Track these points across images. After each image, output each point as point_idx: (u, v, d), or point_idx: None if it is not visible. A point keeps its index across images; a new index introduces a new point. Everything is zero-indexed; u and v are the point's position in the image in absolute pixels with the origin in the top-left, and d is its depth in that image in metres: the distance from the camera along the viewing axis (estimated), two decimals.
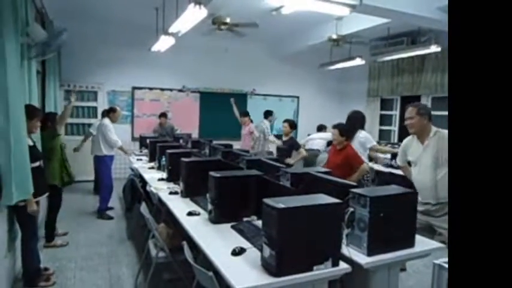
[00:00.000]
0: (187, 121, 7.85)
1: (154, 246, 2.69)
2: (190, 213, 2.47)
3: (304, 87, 9.02)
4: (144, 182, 3.98)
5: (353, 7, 3.26)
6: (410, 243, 1.92)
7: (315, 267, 1.61)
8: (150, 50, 6.30)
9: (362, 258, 1.77)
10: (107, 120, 4.99)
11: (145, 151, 5.64)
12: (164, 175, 3.74)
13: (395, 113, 8.10)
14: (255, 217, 2.28)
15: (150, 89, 7.68)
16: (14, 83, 2.45)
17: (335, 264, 1.66)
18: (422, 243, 1.99)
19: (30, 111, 2.84)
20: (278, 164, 2.88)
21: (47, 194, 3.21)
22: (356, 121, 4.19)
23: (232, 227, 2.19)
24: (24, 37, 3.00)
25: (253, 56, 8.27)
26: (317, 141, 6.43)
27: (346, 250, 1.80)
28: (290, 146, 5.18)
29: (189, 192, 2.91)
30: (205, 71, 7.93)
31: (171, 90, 7.85)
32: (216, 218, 2.27)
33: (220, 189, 2.28)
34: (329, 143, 6.41)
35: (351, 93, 9.12)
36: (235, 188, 2.32)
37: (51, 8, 5.07)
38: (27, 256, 2.83)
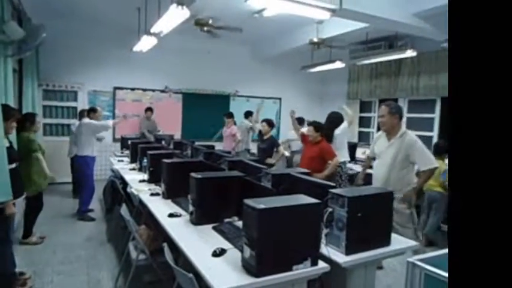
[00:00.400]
0: (169, 122, 7.79)
1: (134, 249, 2.66)
2: (171, 215, 2.46)
3: (287, 88, 9.11)
4: (124, 184, 3.93)
5: (333, 11, 3.33)
6: (387, 242, 1.98)
7: (294, 267, 1.64)
8: (132, 50, 6.23)
9: (340, 257, 1.80)
10: (87, 120, 4.90)
11: (126, 152, 5.56)
12: (145, 176, 3.71)
13: (374, 115, 8.29)
14: (236, 218, 2.29)
15: (132, 89, 7.58)
16: None
17: (314, 263, 1.68)
18: (397, 241, 2.05)
19: (6, 112, 2.77)
20: (259, 165, 2.91)
21: (24, 196, 3.14)
22: (334, 121, 4.37)
23: (213, 228, 2.20)
24: None
25: (236, 57, 8.29)
26: (296, 142, 6.50)
27: (325, 249, 1.84)
28: (270, 146, 5.22)
29: (171, 194, 2.89)
30: (188, 72, 7.90)
31: (153, 90, 7.78)
32: (197, 219, 2.27)
33: (202, 190, 2.28)
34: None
35: (331, 95, 9.27)
36: (216, 189, 2.33)
37: (29, 5, 4.95)
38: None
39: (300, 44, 6.57)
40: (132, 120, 7.42)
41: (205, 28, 5.40)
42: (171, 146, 5.21)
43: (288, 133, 7.68)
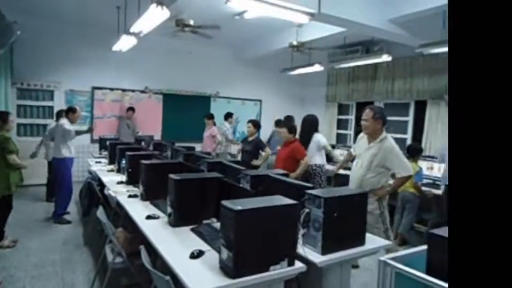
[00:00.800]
0: (149, 123, 7.69)
1: (111, 252, 2.62)
2: (149, 217, 2.44)
3: (267, 91, 9.16)
4: (102, 186, 3.86)
5: (312, 15, 3.39)
6: (361, 242, 2.03)
7: (271, 268, 1.65)
8: (111, 49, 6.12)
9: (316, 257, 1.84)
10: (64, 120, 4.72)
11: (104, 153, 5.46)
12: (124, 178, 3.66)
13: (351, 117, 8.48)
14: (214, 219, 2.30)
15: (111, 89, 7.44)
16: None
17: (291, 263, 1.71)
18: (372, 241, 2.11)
19: None
20: (239, 167, 2.92)
21: None
22: (310, 124, 4.47)
23: (191, 229, 2.20)
24: None
25: (217, 59, 8.28)
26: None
27: (301, 250, 1.87)
28: (256, 147, 5.19)
29: (149, 196, 2.87)
30: (169, 73, 7.83)
31: (133, 91, 7.66)
32: (175, 221, 2.26)
33: (180, 191, 2.27)
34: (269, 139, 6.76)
35: (311, 97, 9.41)
36: (195, 191, 2.33)
37: (3, 2, 4.79)
38: None
39: (280, 47, 6.63)
40: (109, 121, 7.30)
41: (186, 29, 5.38)
42: (151, 147, 5.16)
43: (267, 135, 7.75)
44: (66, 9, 5.95)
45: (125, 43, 5.58)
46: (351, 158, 3.63)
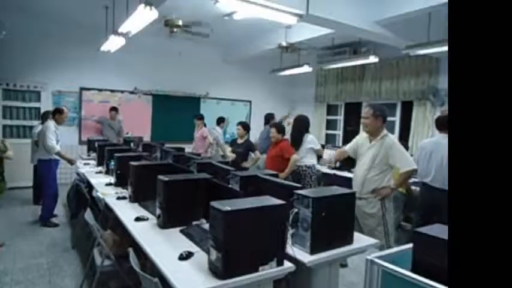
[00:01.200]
0: (139, 124, 7.63)
1: (99, 254, 2.60)
2: (138, 219, 2.42)
3: (257, 91, 9.18)
4: (90, 187, 3.82)
5: (300, 16, 3.43)
6: (349, 241, 2.06)
7: (260, 268, 1.66)
8: (100, 49, 6.06)
9: (305, 257, 1.85)
10: (50, 123, 4.63)
11: (93, 155, 5.40)
12: (112, 180, 3.62)
13: (340, 118, 8.56)
14: (204, 220, 2.29)
15: (100, 90, 7.35)
16: None
17: (280, 263, 1.71)
18: (359, 239, 2.13)
19: None
20: (228, 167, 2.92)
21: None
22: (300, 124, 4.49)
23: (181, 231, 2.19)
24: None
25: (207, 60, 8.27)
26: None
27: (290, 249, 1.88)
28: (246, 149, 5.20)
29: (138, 197, 2.84)
30: (158, 73, 7.78)
31: (122, 92, 7.58)
32: (165, 223, 2.25)
33: (169, 193, 2.26)
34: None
35: (300, 98, 9.46)
36: (184, 192, 2.32)
37: None
38: None
39: (269, 48, 6.66)
40: (96, 123, 7.22)
41: (175, 29, 5.36)
42: (140, 149, 5.12)
43: (257, 135, 7.76)
44: (53, 9, 5.87)
45: (113, 43, 5.53)
46: (345, 156, 3.53)
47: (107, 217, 3.21)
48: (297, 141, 4.43)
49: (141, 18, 3.96)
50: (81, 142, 7.08)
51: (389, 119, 6.99)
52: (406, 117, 6.93)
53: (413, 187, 4.45)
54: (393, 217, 3.15)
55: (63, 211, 5.13)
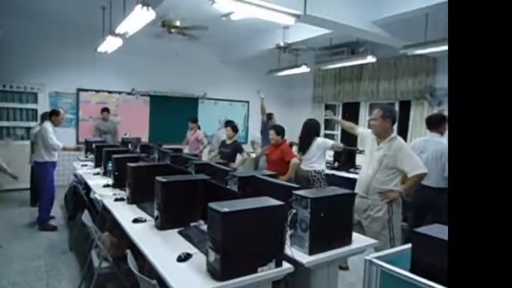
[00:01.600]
0: (136, 125, 7.61)
1: (97, 256, 2.58)
2: (136, 220, 2.41)
3: (254, 92, 9.12)
4: (88, 189, 3.81)
5: (297, 17, 3.42)
6: (348, 241, 2.05)
7: (259, 269, 1.65)
8: (97, 50, 6.04)
9: (304, 258, 1.85)
10: (47, 124, 4.63)
11: (90, 156, 5.37)
12: (110, 181, 3.60)
13: (338, 118, 8.53)
14: (202, 222, 2.28)
15: (97, 91, 7.33)
16: None
17: (278, 264, 1.71)
18: (358, 240, 2.13)
19: None
20: (227, 168, 2.92)
21: None
22: (310, 128, 4.30)
23: (179, 232, 2.18)
24: None
25: (205, 60, 8.25)
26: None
27: (289, 250, 1.87)
28: (234, 150, 5.22)
29: (136, 199, 2.83)
30: (156, 74, 7.76)
31: (119, 93, 7.56)
32: (162, 224, 2.24)
33: (167, 194, 2.25)
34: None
35: (298, 98, 9.46)
36: (182, 193, 2.31)
37: None
38: None
39: (267, 48, 6.66)
40: (95, 123, 7.19)
41: (173, 30, 5.35)
42: (138, 150, 5.11)
43: (254, 135, 7.76)
44: (50, 9, 5.85)
45: (110, 44, 5.51)
46: (352, 128, 3.59)
47: (105, 219, 3.20)
48: (305, 144, 4.25)
49: (138, 18, 3.94)
50: (78, 143, 7.01)
51: None
52: (404, 116, 6.94)
53: None
54: (400, 221, 3.04)
55: (61, 213, 5.10)
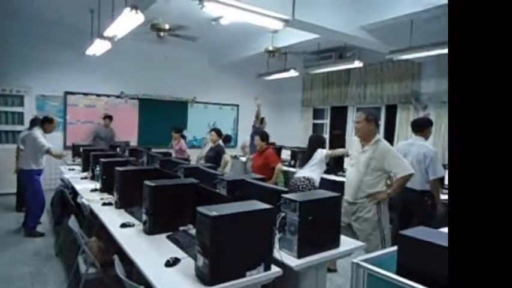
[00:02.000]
0: (125, 129, 7.54)
1: (84, 262, 2.55)
2: (123, 225, 2.39)
3: (244, 95, 9.16)
4: (75, 194, 3.75)
5: (286, 21, 3.45)
6: (336, 244, 2.07)
7: (247, 273, 1.65)
8: (85, 53, 5.98)
9: (292, 261, 1.85)
10: (37, 132, 4.45)
11: (78, 160, 5.31)
12: (98, 185, 3.57)
13: (326, 121, 8.65)
14: (191, 226, 2.27)
15: (85, 94, 7.25)
16: None
17: (267, 268, 1.71)
18: (346, 243, 2.15)
19: None
20: (216, 172, 2.92)
21: None
22: (315, 142, 4.16)
23: (167, 237, 2.17)
24: None
25: (194, 64, 8.25)
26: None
27: (278, 254, 1.88)
28: (217, 153, 5.30)
29: (124, 203, 2.81)
30: (145, 78, 7.72)
31: (108, 96, 7.50)
32: (151, 229, 2.23)
33: (155, 198, 2.24)
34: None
35: (287, 102, 9.52)
36: (170, 197, 2.30)
37: None
38: None
39: (256, 52, 6.69)
40: (82, 127, 7.12)
41: (162, 33, 5.34)
42: (126, 153, 5.06)
43: (245, 138, 7.77)
44: (37, 11, 5.78)
45: (98, 47, 5.47)
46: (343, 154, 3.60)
47: (92, 224, 3.16)
48: (306, 158, 4.11)
49: (127, 21, 3.93)
50: (65, 147, 6.94)
51: None
52: (390, 120, 7.05)
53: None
54: (388, 222, 3.09)
55: (47, 218, 5.01)
